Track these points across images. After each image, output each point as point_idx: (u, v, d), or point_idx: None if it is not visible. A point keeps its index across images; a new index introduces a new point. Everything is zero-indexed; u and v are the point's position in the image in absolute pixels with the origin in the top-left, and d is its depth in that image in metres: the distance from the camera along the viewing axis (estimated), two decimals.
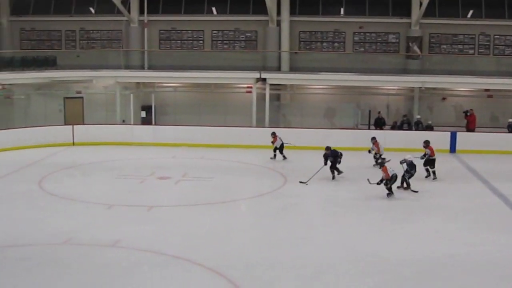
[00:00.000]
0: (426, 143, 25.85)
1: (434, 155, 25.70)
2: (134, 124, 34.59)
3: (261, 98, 35.15)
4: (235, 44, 39.44)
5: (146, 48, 38.68)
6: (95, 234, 18.45)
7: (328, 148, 25.38)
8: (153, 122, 35.02)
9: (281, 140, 29.28)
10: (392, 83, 36.63)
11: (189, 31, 39.54)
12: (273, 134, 29.49)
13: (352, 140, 31.76)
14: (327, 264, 16.18)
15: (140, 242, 17.76)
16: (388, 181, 22.53)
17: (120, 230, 18.89)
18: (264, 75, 34.98)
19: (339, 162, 25.34)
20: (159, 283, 14.99)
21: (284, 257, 16.71)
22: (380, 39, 38.60)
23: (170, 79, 36.92)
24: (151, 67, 37.60)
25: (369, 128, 35.03)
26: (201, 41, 39.57)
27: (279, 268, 15.92)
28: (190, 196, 22.77)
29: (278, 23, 37.81)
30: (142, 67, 37.69)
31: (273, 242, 17.96)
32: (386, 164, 22.79)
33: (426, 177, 25.61)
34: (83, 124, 35.60)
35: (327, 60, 37.57)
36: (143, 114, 36.46)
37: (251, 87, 35.43)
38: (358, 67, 36.29)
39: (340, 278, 15.35)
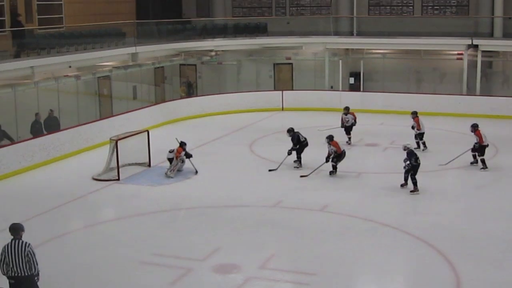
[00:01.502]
0: (474, 128, 22.05)
1: (483, 142, 21.75)
2: (342, 91, 34.67)
3: (472, 65, 34.01)
4: (446, 9, 38.25)
5: (355, 14, 38.46)
6: (304, 198, 18.82)
7: (290, 130, 22.53)
8: (361, 89, 34.91)
9: (353, 119, 25.78)
10: None
11: None
12: (346, 109, 26.21)
13: None
14: None
15: (348, 207, 17.91)
16: (338, 156, 21.03)
17: (328, 195, 19.14)
18: (475, 42, 33.74)
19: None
20: (368, 249, 15.04)
21: (495, 229, 16.22)
22: None
23: (379, 46, 36.49)
24: (360, 34, 37.34)
25: None
26: (410, 7, 38.74)
27: (490, 240, 15.47)
28: (398, 163, 22.48)
29: None
30: (351, 34, 37.52)
31: (483, 214, 17.46)
32: (335, 140, 21.15)
33: (472, 163, 22.12)
34: (292, 90, 36.18)
35: None
36: (352, 80, 36.39)
37: (462, 54, 34.35)
38: None
39: None
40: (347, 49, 37.65)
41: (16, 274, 10.89)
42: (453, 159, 22.12)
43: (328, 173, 21.00)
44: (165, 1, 40.45)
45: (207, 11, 41.69)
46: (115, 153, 21.18)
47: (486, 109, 31.35)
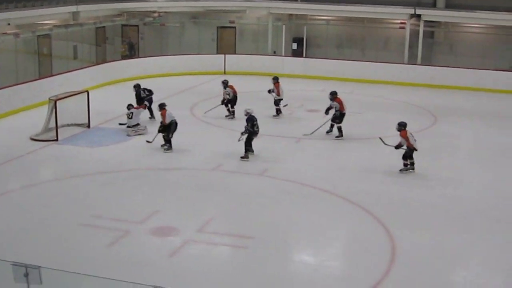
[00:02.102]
0: (333, 95, 21.61)
1: (343, 109, 21.43)
2: (285, 56, 34.74)
3: (414, 34, 34.35)
4: None
5: None
6: (244, 163, 18.87)
7: (135, 86, 23.83)
8: (304, 55, 35.01)
9: (233, 92, 24.41)
10: None
11: None
12: (225, 83, 24.46)
13: (507, 83, 30.78)
14: (476, 209, 15.88)
15: (287, 172, 18.03)
16: (165, 128, 19.93)
17: (268, 160, 19.21)
18: (418, 11, 34.07)
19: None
20: (305, 214, 15.19)
21: (432, 197, 16.52)
22: None
23: (323, 12, 36.53)
24: None
25: None
26: None
27: (427, 208, 15.76)
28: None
29: None
30: None
31: (420, 182, 17.76)
32: (166, 108, 20.10)
33: (327, 132, 21.83)
34: (235, 53, 36.10)
35: None
36: (294, 46, 36.42)
37: (404, 23, 34.65)
38: None
39: (488, 222, 15.08)
40: (291, 14, 37.63)
41: None
42: (317, 129, 22.05)
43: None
44: None
45: None
46: (53, 113, 20.90)
47: (426, 78, 31.78)
